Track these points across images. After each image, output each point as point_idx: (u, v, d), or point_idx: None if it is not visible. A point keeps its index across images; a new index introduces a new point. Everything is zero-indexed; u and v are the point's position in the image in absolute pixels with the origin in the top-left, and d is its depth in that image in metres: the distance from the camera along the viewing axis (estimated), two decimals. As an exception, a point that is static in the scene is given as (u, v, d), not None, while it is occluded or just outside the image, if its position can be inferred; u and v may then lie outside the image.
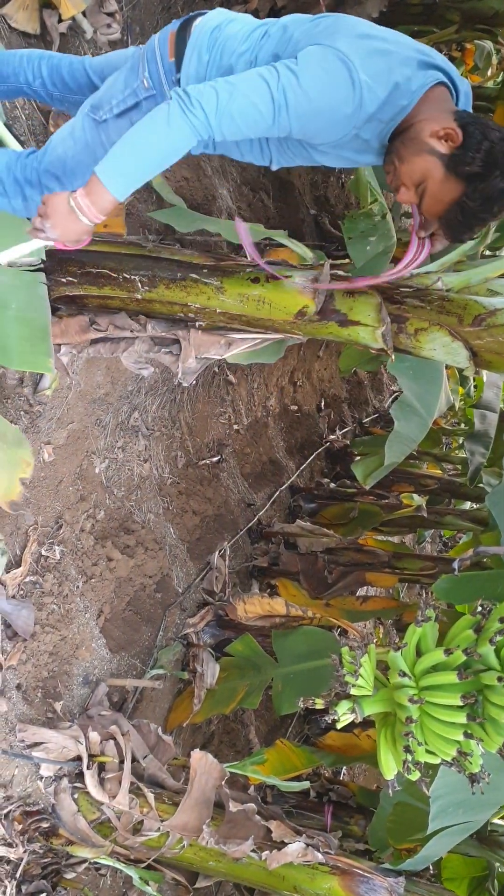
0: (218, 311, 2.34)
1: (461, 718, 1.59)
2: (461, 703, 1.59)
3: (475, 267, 2.72)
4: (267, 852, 2.33)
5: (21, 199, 2.07)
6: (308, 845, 2.32)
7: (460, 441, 7.51)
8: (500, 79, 6.90)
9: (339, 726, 1.65)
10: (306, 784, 2.60)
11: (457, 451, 8.13)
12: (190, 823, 2.42)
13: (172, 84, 1.85)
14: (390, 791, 1.64)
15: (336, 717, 1.64)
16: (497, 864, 4.10)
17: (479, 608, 1.71)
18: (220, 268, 2.34)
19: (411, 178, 1.77)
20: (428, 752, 1.63)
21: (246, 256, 3.07)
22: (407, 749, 1.60)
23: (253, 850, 2.35)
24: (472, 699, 1.59)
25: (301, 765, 3.62)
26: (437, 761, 1.65)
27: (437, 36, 5.11)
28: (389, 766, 1.65)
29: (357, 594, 4.84)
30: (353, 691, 1.65)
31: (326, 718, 1.64)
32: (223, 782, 2.51)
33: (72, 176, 2.01)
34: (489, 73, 6.96)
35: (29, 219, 2.09)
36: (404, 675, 1.63)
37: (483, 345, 2.05)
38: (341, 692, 1.69)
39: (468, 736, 1.58)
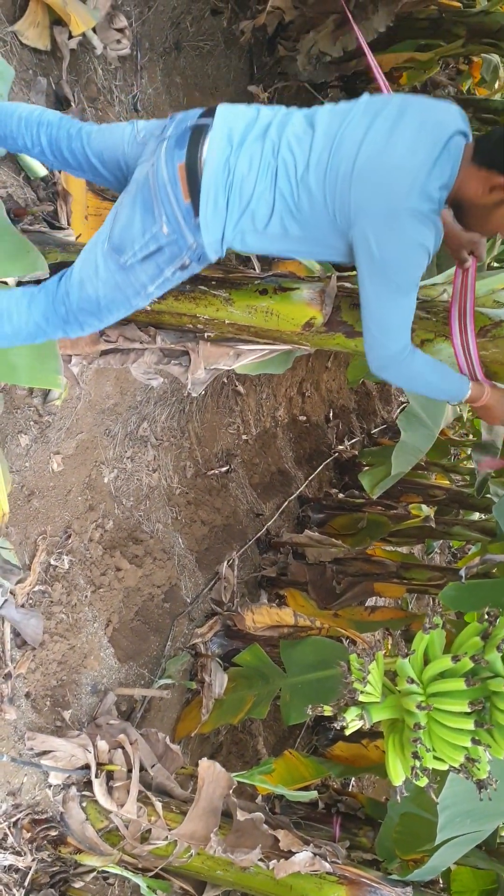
0: (226, 322, 2.36)
1: (469, 725, 1.60)
2: (469, 710, 1.60)
3: (482, 278, 2.73)
4: (274, 861, 2.33)
5: (62, 332, 2.08)
6: (315, 854, 2.32)
7: (468, 452, 7.50)
8: (507, 91, 6.93)
9: (347, 732, 1.66)
10: (314, 794, 2.60)
11: (465, 462, 8.13)
12: (198, 832, 2.42)
13: (194, 229, 1.82)
14: (398, 797, 1.65)
15: (345, 724, 1.65)
16: (506, 877, 4.07)
17: (486, 615, 1.72)
18: (228, 280, 2.37)
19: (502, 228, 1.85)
20: (436, 758, 1.64)
21: (254, 268, 3.10)
22: (415, 755, 1.60)
23: (260, 859, 2.35)
24: (480, 706, 1.60)
25: (309, 775, 3.61)
26: (445, 767, 1.65)
27: (444, 50, 5.14)
28: (398, 773, 1.66)
29: (366, 604, 4.84)
30: (361, 698, 1.66)
31: (335, 725, 1.65)
32: (230, 791, 2.52)
33: (107, 312, 2.01)
34: (496, 86, 7.00)
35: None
36: (412, 681, 1.64)
37: (488, 355, 2.07)
38: (350, 700, 1.70)
39: (476, 742, 1.59)
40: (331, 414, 6.51)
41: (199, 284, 2.36)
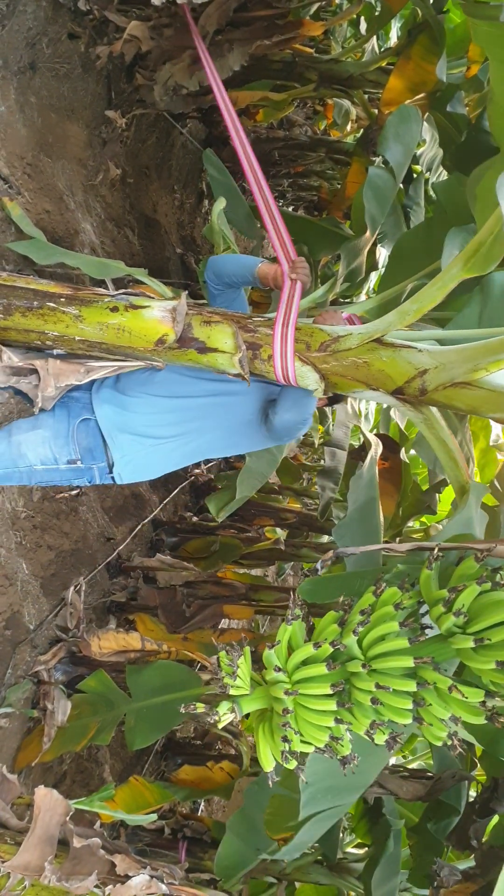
0: (77, 338, 2.36)
1: (332, 706, 1.69)
2: (331, 692, 1.70)
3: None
4: (110, 887, 2.30)
5: None
6: (152, 877, 2.32)
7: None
8: (357, 135, 7.33)
9: (220, 726, 1.71)
10: (153, 817, 2.59)
11: (315, 486, 8.39)
12: (32, 862, 2.36)
13: None
14: (269, 781, 1.72)
15: (217, 718, 1.69)
16: (346, 890, 4.21)
17: (343, 604, 1.83)
18: (78, 297, 2.37)
19: None
20: (303, 741, 1.73)
21: (108, 288, 3.11)
22: (284, 739, 1.68)
23: (97, 886, 2.32)
24: (341, 687, 1.71)
25: (154, 800, 3.60)
26: (312, 750, 1.75)
27: (298, 92, 5.39)
28: (268, 758, 1.73)
29: (219, 627, 4.88)
30: (231, 691, 1.71)
31: (208, 720, 1.69)
32: (68, 819, 2.47)
33: None
34: (348, 128, 7.39)
35: None
36: (279, 669, 1.72)
37: (329, 368, 2.21)
38: (222, 695, 1.75)
39: (339, 721, 1.70)
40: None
41: (47, 301, 2.35)
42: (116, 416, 2.41)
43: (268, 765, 1.73)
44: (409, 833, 3.71)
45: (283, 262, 2.43)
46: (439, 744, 1.71)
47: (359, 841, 4.93)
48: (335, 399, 2.53)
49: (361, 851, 4.78)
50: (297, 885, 4.26)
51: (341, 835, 4.37)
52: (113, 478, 2.43)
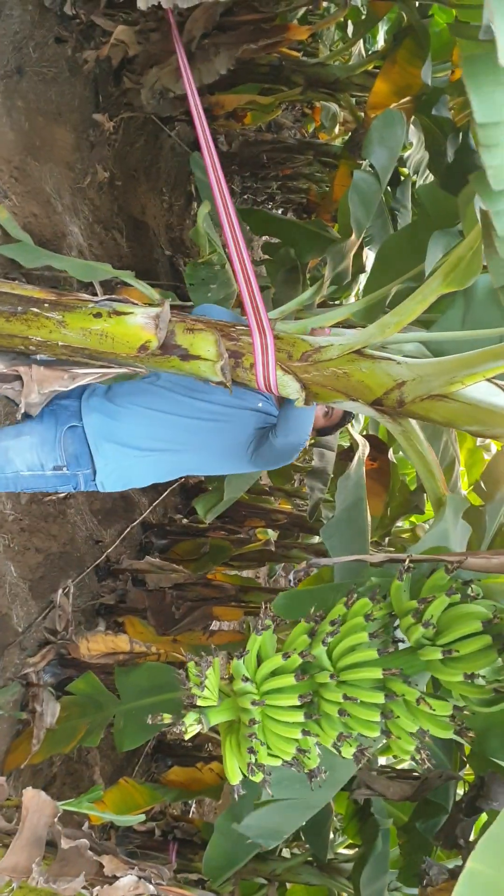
0: (60, 344, 2.36)
1: (299, 717, 1.68)
2: (299, 703, 1.68)
3: (312, 316, 2.90)
4: (98, 888, 2.31)
5: None
6: (140, 878, 2.32)
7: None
8: (345, 138, 7.36)
9: (186, 737, 1.69)
10: (141, 818, 2.59)
11: (306, 487, 8.39)
12: (20, 864, 2.36)
13: None
14: (235, 795, 1.70)
15: (183, 729, 1.68)
16: (337, 891, 4.22)
17: (314, 615, 1.81)
18: (61, 303, 2.37)
19: None
20: (270, 754, 1.71)
21: (96, 294, 3.12)
22: (251, 750, 1.66)
23: (84, 887, 2.32)
24: (309, 698, 1.70)
25: (144, 802, 3.61)
26: (279, 763, 1.72)
27: (285, 95, 5.42)
28: (235, 771, 1.70)
29: (209, 628, 4.89)
30: (199, 702, 1.69)
31: (175, 730, 1.67)
32: (56, 820, 2.47)
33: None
34: (335, 131, 7.42)
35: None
36: (247, 679, 1.70)
37: (310, 378, 2.22)
38: (189, 705, 1.73)
39: (306, 733, 1.68)
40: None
41: (30, 306, 2.35)
42: (103, 425, 2.43)
43: (234, 778, 1.71)
44: (399, 832, 3.72)
45: (240, 278, 2.41)
46: (407, 757, 1.70)
47: (350, 841, 4.95)
48: (324, 433, 2.67)
49: (352, 852, 4.79)
50: (288, 885, 4.27)
51: (332, 835, 4.38)
52: (96, 485, 2.45)
